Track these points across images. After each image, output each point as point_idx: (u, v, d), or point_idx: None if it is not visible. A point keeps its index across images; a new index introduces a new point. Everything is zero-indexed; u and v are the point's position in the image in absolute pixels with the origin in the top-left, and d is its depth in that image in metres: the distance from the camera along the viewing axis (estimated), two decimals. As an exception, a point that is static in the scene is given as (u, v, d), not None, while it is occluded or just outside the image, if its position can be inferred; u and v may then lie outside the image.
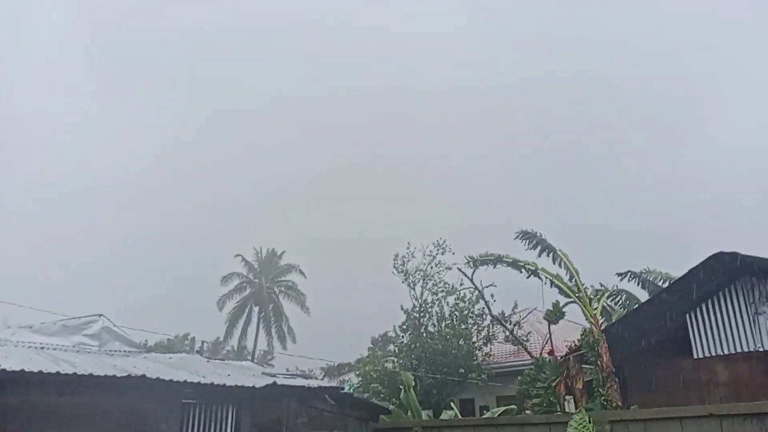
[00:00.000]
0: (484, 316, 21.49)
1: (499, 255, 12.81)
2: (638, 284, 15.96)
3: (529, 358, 17.29)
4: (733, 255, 9.78)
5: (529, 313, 22.50)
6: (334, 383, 22.95)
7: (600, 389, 10.23)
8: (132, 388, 8.31)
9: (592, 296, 11.61)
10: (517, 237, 12.73)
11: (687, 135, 77.92)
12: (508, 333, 19.75)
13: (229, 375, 10.32)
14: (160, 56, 80.00)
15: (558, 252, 12.09)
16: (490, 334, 21.08)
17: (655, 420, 7.85)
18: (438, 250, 20.77)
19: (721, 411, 7.31)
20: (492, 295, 19.28)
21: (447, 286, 20.97)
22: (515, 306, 22.56)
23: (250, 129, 75.92)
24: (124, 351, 12.06)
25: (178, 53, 79.33)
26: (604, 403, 10.00)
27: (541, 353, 17.23)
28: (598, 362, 10.43)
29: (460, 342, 20.49)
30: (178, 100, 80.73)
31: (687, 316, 10.86)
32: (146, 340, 33.70)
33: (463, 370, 19.68)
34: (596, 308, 11.37)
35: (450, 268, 19.94)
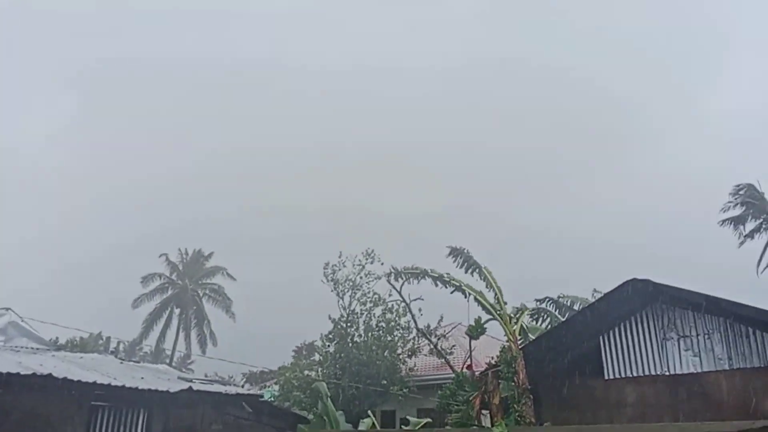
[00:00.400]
0: (410, 329, 21.70)
1: (425, 269, 12.96)
2: (555, 309, 16.52)
3: (451, 372, 17.60)
4: (646, 282, 10.28)
5: (453, 328, 22.82)
6: (255, 390, 22.52)
7: (515, 405, 10.50)
8: (37, 388, 7.87)
9: (512, 315, 11.91)
10: (448, 255, 12.94)
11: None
12: (432, 346, 19.98)
13: (142, 378, 9.96)
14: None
15: (483, 270, 12.38)
16: (416, 346, 21.26)
17: (564, 437, 8.05)
18: (367, 259, 20.80)
19: (629, 431, 7.60)
20: (420, 309, 19.48)
21: (375, 296, 21.05)
22: (441, 319, 22.87)
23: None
24: (32, 348, 11.43)
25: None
26: (518, 419, 10.25)
27: (462, 368, 17.51)
28: (515, 379, 10.70)
29: (385, 353, 20.55)
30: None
31: (600, 338, 11.32)
32: (57, 338, 32.04)
33: (385, 382, 19.74)
34: (516, 326, 11.67)
35: (379, 278, 20.02)
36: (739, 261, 41.67)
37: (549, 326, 14.99)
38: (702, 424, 7.40)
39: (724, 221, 44.50)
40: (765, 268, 42.02)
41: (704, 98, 78.25)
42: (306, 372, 20.71)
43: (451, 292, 12.54)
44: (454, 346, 21.46)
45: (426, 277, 12.95)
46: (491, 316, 11.95)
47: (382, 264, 20.17)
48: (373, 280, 20.72)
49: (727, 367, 9.89)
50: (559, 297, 16.63)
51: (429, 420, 13.34)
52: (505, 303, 12.04)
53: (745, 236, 42.68)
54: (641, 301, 10.87)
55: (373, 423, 13.36)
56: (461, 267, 12.56)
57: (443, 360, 19.93)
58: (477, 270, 12.46)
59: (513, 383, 10.72)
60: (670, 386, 10.31)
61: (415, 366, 21.57)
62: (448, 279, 12.48)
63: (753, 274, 40.86)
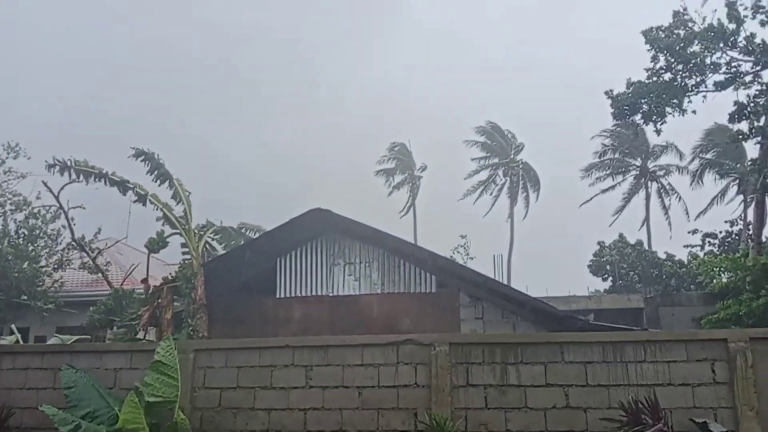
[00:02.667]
0: (59, 239, 19.57)
1: (104, 170, 11.63)
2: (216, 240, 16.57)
3: (107, 288, 16.56)
4: (327, 212, 11.26)
5: (115, 243, 21.37)
6: None
7: (189, 320, 10.50)
8: None
9: (196, 231, 11.74)
10: (132, 156, 11.71)
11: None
12: (87, 260, 18.40)
13: None
14: None
15: (174, 181, 11.80)
16: (64, 259, 19.28)
17: (236, 350, 8.35)
18: (9, 153, 17.81)
19: (295, 343, 8.26)
20: (73, 219, 17.62)
21: (19, 199, 18.29)
22: (98, 232, 21.15)
23: None
24: None
25: None
26: (191, 333, 10.30)
27: (122, 284, 16.63)
28: (192, 294, 10.68)
29: (24, 265, 18.09)
30: None
31: (278, 260, 12.04)
32: None
33: (25, 297, 17.51)
34: (200, 243, 11.56)
35: (24, 177, 17.38)
36: (390, 208, 48.37)
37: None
38: (358, 336, 8.52)
39: (378, 172, 51.01)
40: (403, 215, 49.70)
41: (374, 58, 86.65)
42: None
43: (134, 201, 11.66)
44: (109, 262, 20.14)
45: (103, 180, 11.60)
46: (176, 231, 11.57)
47: (29, 159, 17.52)
48: (16, 179, 17.94)
49: (379, 291, 11.62)
50: (239, 225, 16.98)
51: (88, 336, 12.38)
52: (192, 219, 11.77)
53: (393, 187, 49.58)
54: (319, 229, 11.89)
55: (17, 340, 11.79)
56: (150, 174, 11.69)
57: (98, 275, 18.59)
58: (168, 180, 11.79)
59: (190, 299, 10.68)
60: (333, 306, 11.64)
61: (62, 279, 19.57)
62: (133, 186, 11.51)
63: (397, 219, 48.01)
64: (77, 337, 12.21)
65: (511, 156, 48.12)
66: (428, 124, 70.10)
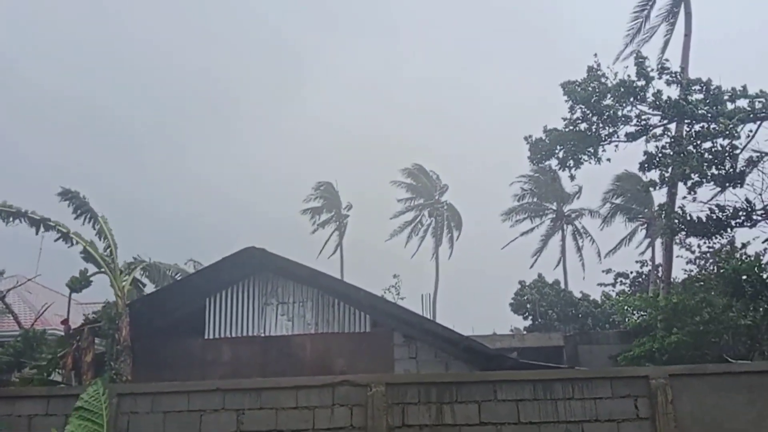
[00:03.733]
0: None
1: (24, 209, 11.09)
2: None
3: (13, 329, 15.57)
4: (262, 251, 11.13)
5: (24, 282, 20.17)
6: None
7: (112, 363, 10.00)
8: None
9: (123, 269, 11.29)
10: (59, 194, 11.26)
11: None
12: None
13: None
14: None
15: (99, 219, 11.36)
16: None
17: (163, 393, 8.08)
18: None
19: (226, 386, 8.06)
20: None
21: None
22: (1, 273, 19.90)
23: None
24: None
25: None
26: (114, 377, 9.80)
27: (32, 325, 15.70)
28: (116, 335, 10.20)
29: None
30: None
31: (207, 299, 11.72)
32: None
33: None
34: (126, 281, 11.12)
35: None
36: (314, 246, 48.13)
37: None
38: (293, 378, 8.40)
39: (304, 210, 50.83)
40: (331, 255, 49.56)
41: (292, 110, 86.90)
42: None
43: (55, 240, 11.07)
44: (14, 302, 18.96)
45: (21, 219, 11.04)
46: (100, 270, 11.07)
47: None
48: None
49: (313, 330, 11.50)
50: (156, 262, 16.40)
51: None
52: (116, 258, 11.32)
53: (318, 224, 49.47)
54: (252, 267, 11.70)
55: None
56: (74, 212, 11.18)
57: (7, 315, 17.45)
58: (93, 218, 11.32)
59: (113, 340, 10.18)
60: (264, 347, 11.40)
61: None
62: (54, 224, 10.97)
63: (321, 257, 47.77)
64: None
65: (436, 197, 49.30)
66: (355, 165, 70.88)
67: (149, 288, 12.94)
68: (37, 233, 11.44)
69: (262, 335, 11.54)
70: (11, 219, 11.19)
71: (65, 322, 11.46)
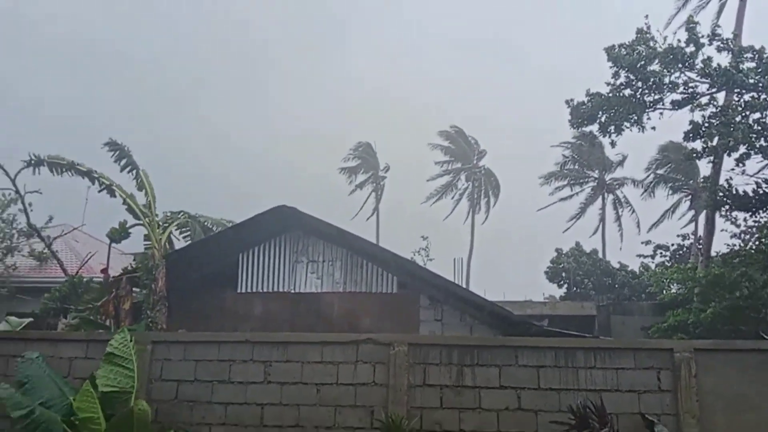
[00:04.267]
0: (13, 224, 19.17)
1: (73, 161, 11.49)
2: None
3: (60, 275, 16.25)
4: (293, 209, 11.30)
5: (71, 230, 20.94)
6: None
7: (148, 312, 10.41)
8: None
9: (160, 222, 11.63)
10: (105, 146, 11.60)
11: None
12: (44, 247, 18.00)
13: None
14: None
15: (141, 172, 11.67)
16: (13, 245, 18.89)
17: (195, 343, 8.34)
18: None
19: (254, 338, 8.29)
20: (30, 204, 17.17)
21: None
22: (50, 220, 20.65)
23: None
24: None
25: None
26: (150, 325, 10.21)
27: (77, 272, 16.34)
28: (153, 286, 10.58)
29: (-25, 249, 17.65)
30: None
31: (240, 255, 12.02)
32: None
33: (-25, 280, 17.06)
34: (163, 235, 11.47)
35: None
36: (351, 206, 48.45)
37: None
38: (319, 334, 8.61)
39: (342, 169, 50.97)
40: (369, 217, 49.87)
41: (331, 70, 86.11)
42: None
43: (99, 191, 11.48)
44: (60, 250, 19.71)
45: (70, 171, 11.45)
46: (138, 222, 11.44)
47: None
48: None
49: (341, 289, 11.71)
50: (197, 215, 16.75)
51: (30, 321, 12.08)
52: (155, 211, 11.66)
53: (356, 185, 49.63)
54: (283, 225, 11.91)
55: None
56: (118, 163, 11.53)
57: (53, 262, 18.20)
58: (135, 171, 11.66)
59: (150, 290, 10.58)
60: (294, 302, 11.68)
61: (15, 265, 19.10)
62: (98, 176, 11.35)
63: (357, 218, 48.08)
64: (28, 320, 11.94)
65: (474, 161, 48.78)
66: (395, 126, 70.38)
67: (180, 244, 13.22)
68: (91, 184, 11.77)
69: (292, 291, 11.81)
70: (62, 170, 11.58)
71: (105, 270, 11.92)
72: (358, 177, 50.94)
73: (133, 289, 11.28)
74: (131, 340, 7.56)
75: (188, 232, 13.05)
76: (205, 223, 14.06)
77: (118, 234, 11.53)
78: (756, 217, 17.93)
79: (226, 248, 11.97)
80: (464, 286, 26.76)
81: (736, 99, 16.62)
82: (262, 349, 7.96)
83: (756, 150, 15.48)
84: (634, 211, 42.09)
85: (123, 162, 11.57)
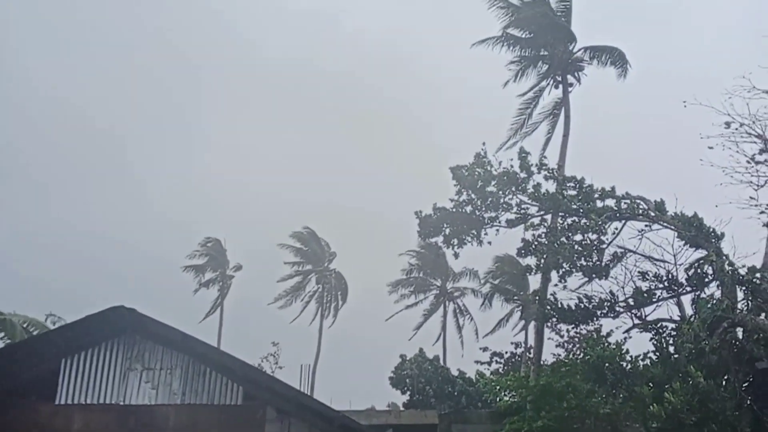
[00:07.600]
0: None
1: None
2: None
3: None
4: (132, 311, 10.39)
5: None
6: None
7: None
8: None
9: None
10: None
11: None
12: None
13: None
14: None
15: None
16: None
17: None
18: None
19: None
20: None
21: None
22: None
23: None
24: None
25: None
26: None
27: None
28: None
29: None
30: None
31: (63, 360, 10.68)
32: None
33: None
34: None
35: None
36: (192, 305, 45.81)
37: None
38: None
39: (187, 267, 48.58)
40: (211, 313, 47.42)
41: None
42: None
43: None
44: None
45: None
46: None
47: None
48: None
49: (179, 401, 10.71)
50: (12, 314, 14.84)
51: None
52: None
53: (201, 284, 47.40)
54: (119, 328, 10.86)
55: None
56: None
57: None
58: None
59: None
60: (122, 416, 10.46)
61: None
62: None
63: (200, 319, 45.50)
64: None
65: (325, 264, 48.99)
66: (245, 226, 69.08)
67: (-2, 344, 11.59)
68: None
69: (121, 403, 10.60)
70: None
71: None
72: (206, 275, 48.78)
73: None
74: None
75: (8, 335, 11.44)
76: (23, 324, 12.48)
77: None
78: (577, 328, 19.68)
79: (46, 352, 10.60)
80: (309, 393, 25.93)
81: (561, 222, 18.62)
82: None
83: (577, 268, 17.24)
84: (472, 319, 44.28)
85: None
